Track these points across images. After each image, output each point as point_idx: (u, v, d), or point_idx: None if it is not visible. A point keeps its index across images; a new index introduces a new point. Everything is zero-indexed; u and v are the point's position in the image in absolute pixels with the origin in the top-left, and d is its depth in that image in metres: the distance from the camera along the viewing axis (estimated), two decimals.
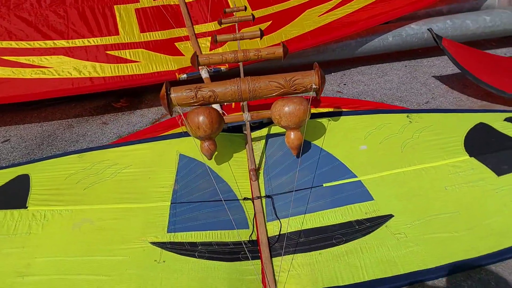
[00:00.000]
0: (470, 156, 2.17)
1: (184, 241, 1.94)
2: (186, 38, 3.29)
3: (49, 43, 3.14)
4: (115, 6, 3.39)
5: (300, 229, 1.96)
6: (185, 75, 3.04)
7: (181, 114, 2.19)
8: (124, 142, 2.53)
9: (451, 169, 2.14)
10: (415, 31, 3.53)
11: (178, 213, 2.08)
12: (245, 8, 2.32)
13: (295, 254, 1.84)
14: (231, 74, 2.66)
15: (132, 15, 3.36)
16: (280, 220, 2.03)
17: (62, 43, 3.15)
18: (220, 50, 3.14)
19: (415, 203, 2.00)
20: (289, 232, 1.96)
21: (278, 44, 2.29)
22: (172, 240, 1.94)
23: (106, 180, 2.27)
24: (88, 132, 2.99)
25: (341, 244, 1.86)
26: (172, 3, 3.49)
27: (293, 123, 2.20)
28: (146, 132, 2.72)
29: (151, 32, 3.28)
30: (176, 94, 2.20)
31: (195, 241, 1.95)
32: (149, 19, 3.35)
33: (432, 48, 3.58)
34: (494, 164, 2.12)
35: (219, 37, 2.26)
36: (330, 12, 3.39)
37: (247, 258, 1.85)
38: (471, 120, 2.46)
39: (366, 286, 1.66)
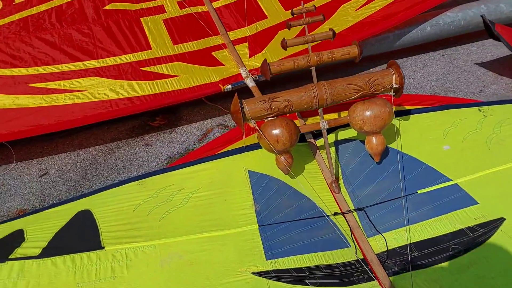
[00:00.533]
0: None
1: (288, 267, 1.78)
2: (223, 46, 3.11)
3: (79, 65, 2.92)
4: (141, 19, 3.19)
5: (408, 243, 1.82)
6: (229, 86, 2.86)
7: (257, 127, 2.03)
8: (183, 163, 2.34)
9: None
10: (451, 19, 3.42)
11: (270, 236, 1.92)
12: (315, 8, 2.16)
13: (414, 271, 1.70)
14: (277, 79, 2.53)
15: (162, 27, 3.17)
16: (383, 234, 1.88)
17: (92, 63, 2.94)
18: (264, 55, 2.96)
19: None
20: (398, 247, 1.82)
21: (351, 44, 2.15)
22: (275, 268, 1.77)
23: (179, 208, 2.08)
24: (133, 156, 2.79)
25: (462, 255, 1.72)
26: (200, 11, 3.31)
27: (377, 127, 2.06)
28: (202, 151, 2.54)
29: (185, 43, 3.09)
30: (250, 107, 2.04)
31: (300, 266, 1.78)
32: (179, 29, 3.17)
33: (462, 35, 3.51)
34: None
35: (290, 41, 2.10)
36: (366, 6, 3.25)
37: (362, 280, 1.70)
38: None
39: None
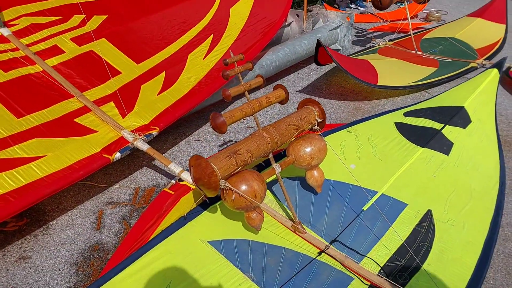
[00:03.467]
0: (423, 147, 2.74)
1: None
2: (85, 110, 2.54)
3: None
4: None
5: (391, 254, 2.03)
6: (118, 154, 2.39)
7: (232, 188, 1.82)
8: (119, 264, 1.83)
9: (421, 161, 2.66)
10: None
11: None
12: (243, 56, 2.08)
13: (414, 275, 1.92)
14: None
15: None
16: (367, 255, 2.03)
17: None
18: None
19: (430, 193, 2.41)
20: (387, 262, 2.00)
21: (278, 88, 2.20)
22: None
23: None
24: (13, 281, 1.93)
25: (430, 248, 2.06)
26: (33, 71, 2.59)
27: (321, 160, 2.21)
28: (129, 242, 2.02)
29: (32, 115, 2.36)
30: (219, 166, 1.81)
31: None
32: (16, 98, 2.40)
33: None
34: (439, 148, 2.77)
35: (232, 90, 1.98)
36: (210, 53, 3.34)
37: None
38: (388, 122, 3.07)
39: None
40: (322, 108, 2.27)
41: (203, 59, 3.29)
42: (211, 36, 3.51)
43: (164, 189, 2.29)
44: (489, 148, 2.92)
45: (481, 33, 5.65)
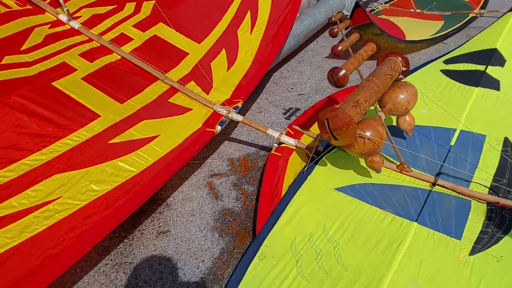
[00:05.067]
0: (476, 87, 3.01)
1: None
2: (172, 91, 2.62)
3: (18, 167, 1.86)
4: (54, 84, 2.26)
5: (492, 176, 2.29)
6: (219, 127, 2.50)
7: (365, 134, 2.00)
8: (271, 215, 1.99)
9: (480, 98, 2.93)
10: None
11: (432, 223, 1.97)
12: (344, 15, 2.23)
13: None
14: None
15: (89, 87, 2.36)
16: (472, 181, 2.27)
17: (36, 158, 1.92)
18: None
19: (499, 124, 2.73)
20: (492, 182, 2.26)
21: (369, 43, 2.36)
22: None
23: (338, 251, 1.83)
24: (163, 253, 2.04)
25: None
26: (114, 60, 2.63)
27: (415, 104, 2.41)
28: (266, 205, 2.16)
29: (131, 100, 2.43)
30: (352, 115, 1.97)
31: None
32: (110, 84, 2.44)
33: None
34: (489, 85, 3.06)
35: (343, 45, 2.14)
36: (254, 28, 3.46)
37: None
38: (434, 70, 3.33)
39: None
40: (406, 57, 2.46)
41: (250, 33, 3.40)
42: (249, 12, 3.61)
43: (272, 152, 2.44)
44: None
45: None
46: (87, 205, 1.86)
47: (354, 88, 3.23)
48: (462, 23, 4.75)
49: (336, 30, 2.15)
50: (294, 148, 2.51)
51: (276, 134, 2.53)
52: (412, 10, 5.36)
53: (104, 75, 2.50)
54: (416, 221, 1.98)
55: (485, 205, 2.11)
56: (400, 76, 2.48)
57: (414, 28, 4.50)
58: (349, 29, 4.45)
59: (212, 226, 2.20)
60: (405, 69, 2.46)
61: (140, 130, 2.28)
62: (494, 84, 3.09)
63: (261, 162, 2.68)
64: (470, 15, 5.00)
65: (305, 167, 2.32)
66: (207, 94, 2.71)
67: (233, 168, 2.63)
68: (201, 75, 2.80)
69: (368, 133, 2.04)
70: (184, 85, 2.67)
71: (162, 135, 2.32)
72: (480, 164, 2.37)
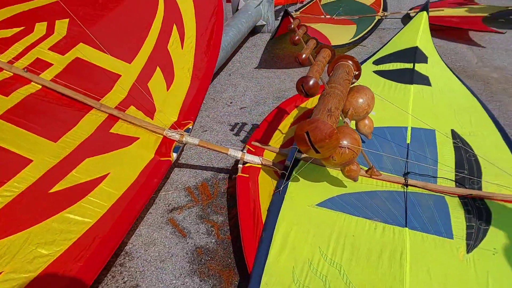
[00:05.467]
0: (411, 84, 3.13)
1: None
2: (111, 118, 2.25)
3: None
4: None
5: (454, 169, 2.35)
6: (174, 154, 2.22)
7: (348, 144, 1.90)
8: (258, 255, 1.79)
9: (418, 95, 3.05)
10: None
11: (419, 225, 1.93)
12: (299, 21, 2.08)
13: (482, 177, 2.27)
14: None
15: (9, 127, 1.90)
16: (438, 176, 2.31)
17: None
18: None
19: (443, 117, 2.86)
20: (456, 176, 2.31)
21: (324, 48, 2.28)
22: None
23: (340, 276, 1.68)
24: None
25: (476, 155, 2.45)
26: (33, 90, 2.17)
27: (373, 107, 2.38)
28: (250, 235, 1.92)
29: (67, 134, 2.02)
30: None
31: None
32: (40, 122, 2.01)
33: None
34: (422, 82, 3.21)
35: (306, 52, 2.01)
36: (184, 42, 3.21)
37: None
38: (368, 72, 3.41)
39: None
40: (356, 60, 2.43)
41: (182, 48, 3.15)
42: (175, 26, 3.35)
43: (238, 174, 2.22)
44: (447, 74, 3.48)
45: None
46: (39, 276, 1.46)
47: (295, 98, 3.16)
48: (372, 25, 5.01)
49: (297, 38, 2.03)
50: (260, 166, 2.32)
51: (238, 154, 2.32)
52: (322, 16, 5.54)
53: (26, 110, 2.05)
54: (406, 226, 1.92)
55: (457, 198, 2.15)
56: (354, 80, 2.45)
57: (334, 33, 4.63)
58: (275, 36, 4.42)
59: (188, 270, 1.90)
60: (357, 72, 2.44)
61: (84, 171, 1.90)
62: (425, 80, 3.25)
63: (223, 186, 2.44)
64: (376, 18, 5.31)
65: (279, 185, 2.14)
66: (152, 119, 2.40)
67: (193, 198, 2.35)
68: (141, 98, 2.47)
69: (345, 142, 1.94)
70: (124, 112, 2.32)
71: (112, 173, 1.96)
72: (439, 159, 2.43)
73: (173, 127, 2.37)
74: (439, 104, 2.96)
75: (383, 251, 1.77)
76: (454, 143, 2.55)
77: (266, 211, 2.02)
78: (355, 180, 2.12)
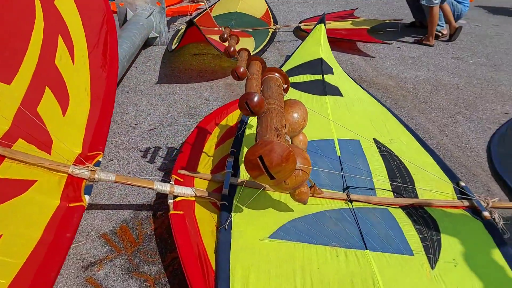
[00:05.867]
0: (326, 95, 3.11)
1: None
2: None
3: None
4: None
5: (388, 179, 2.34)
6: (87, 196, 1.75)
7: (304, 166, 1.72)
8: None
9: (334, 105, 3.04)
10: None
11: (376, 244, 1.83)
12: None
13: (415, 184, 2.29)
14: None
15: None
16: (376, 188, 2.27)
17: None
18: None
19: (362, 127, 2.89)
20: (391, 186, 2.30)
21: (254, 61, 2.07)
22: None
23: None
24: None
25: (403, 162, 2.48)
26: None
27: (307, 121, 2.25)
28: (202, 284, 1.57)
29: None
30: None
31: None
32: None
33: None
34: (334, 92, 3.20)
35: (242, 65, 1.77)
36: (75, 55, 2.70)
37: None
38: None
39: None
40: (284, 73, 2.28)
41: (73, 63, 2.64)
42: (60, 37, 2.81)
43: (171, 212, 1.85)
44: (352, 84, 3.58)
45: (253, 4, 6.43)
46: None
47: (213, 115, 2.89)
48: (269, 37, 5.00)
49: (232, 49, 1.77)
50: (194, 199, 1.99)
51: (167, 187, 1.95)
52: (216, 28, 5.36)
53: None
54: (366, 248, 1.79)
55: (400, 209, 2.12)
56: (284, 94, 2.29)
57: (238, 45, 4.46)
58: (179, 48, 4.09)
59: None
60: (286, 86, 2.29)
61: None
62: (336, 91, 3.27)
63: (148, 227, 2.04)
64: (270, 31, 5.33)
65: (223, 220, 1.84)
66: (50, 154, 1.88)
67: (113, 247, 1.90)
68: (31, 128, 1.93)
69: (298, 163, 1.74)
70: (11, 147, 1.77)
71: (6, 234, 1.44)
72: (372, 169, 2.40)
73: (79, 161, 1.90)
74: (355, 114, 2.98)
75: (354, 282, 1.60)
76: (379, 151, 2.56)
77: (213, 253, 1.70)
78: (305, 203, 1.94)
